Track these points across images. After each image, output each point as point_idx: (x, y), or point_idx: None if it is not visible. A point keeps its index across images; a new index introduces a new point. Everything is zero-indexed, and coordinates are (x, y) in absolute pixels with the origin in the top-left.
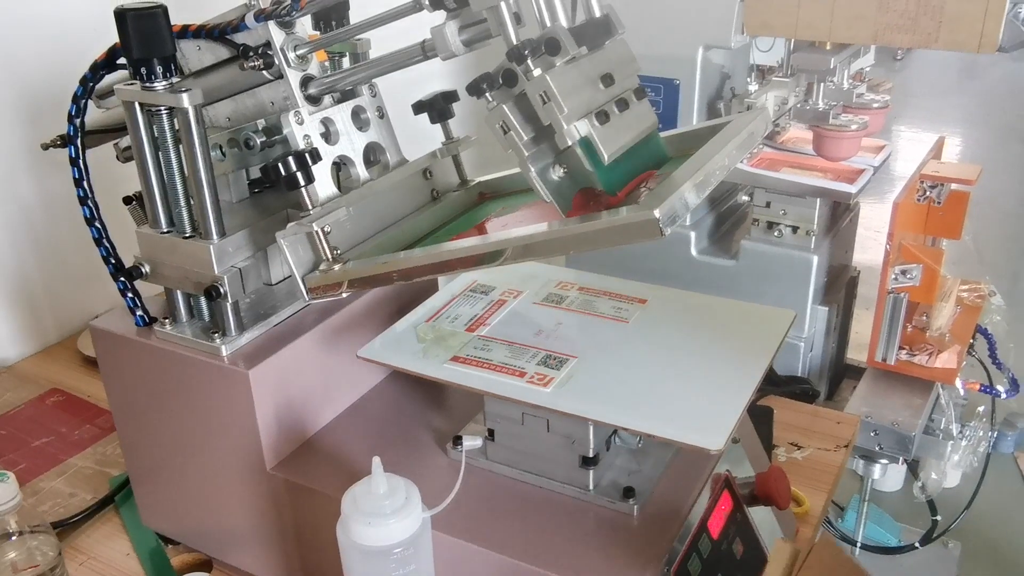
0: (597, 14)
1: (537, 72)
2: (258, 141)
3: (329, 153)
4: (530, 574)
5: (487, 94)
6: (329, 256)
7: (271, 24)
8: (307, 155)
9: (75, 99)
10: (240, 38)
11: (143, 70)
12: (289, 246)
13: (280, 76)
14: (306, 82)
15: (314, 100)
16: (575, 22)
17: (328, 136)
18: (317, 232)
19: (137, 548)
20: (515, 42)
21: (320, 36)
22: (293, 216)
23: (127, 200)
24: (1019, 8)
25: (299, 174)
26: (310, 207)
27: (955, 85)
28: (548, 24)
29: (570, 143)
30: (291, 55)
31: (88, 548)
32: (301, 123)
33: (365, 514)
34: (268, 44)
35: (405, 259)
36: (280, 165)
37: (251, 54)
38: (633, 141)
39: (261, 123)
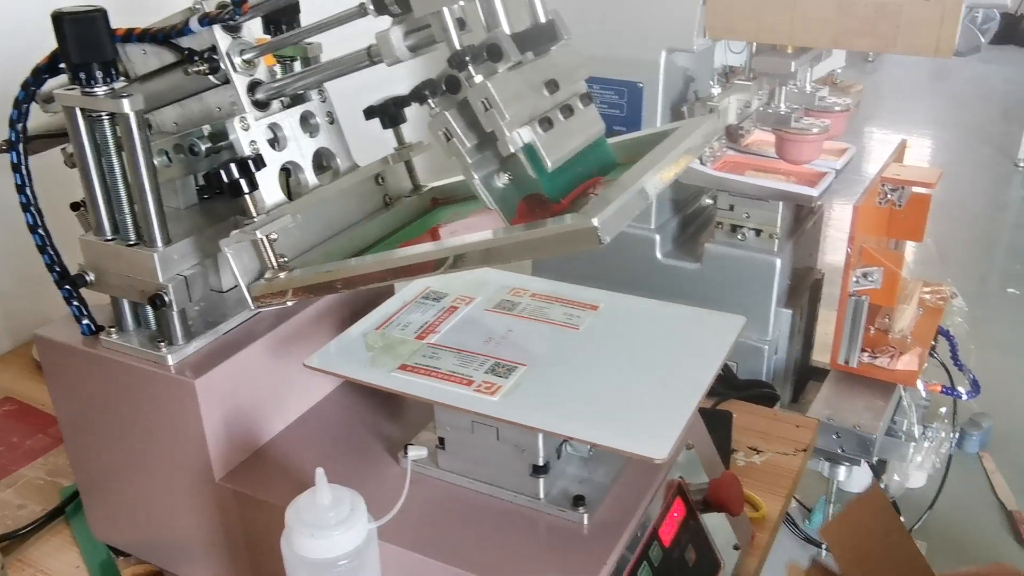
0: (542, 20)
1: (479, 79)
2: (203, 147)
3: (276, 159)
4: None
5: (430, 101)
6: (275, 264)
7: (216, 28)
8: (250, 161)
9: (16, 104)
10: (185, 42)
11: (83, 75)
12: (234, 254)
13: (226, 81)
14: (253, 87)
15: (262, 105)
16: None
17: (276, 142)
18: (262, 240)
19: (87, 560)
20: (457, 48)
21: (268, 40)
22: (241, 223)
23: (75, 206)
24: (975, 13)
25: (242, 181)
26: (254, 214)
27: (926, 87)
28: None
29: (513, 150)
30: (237, 60)
31: (37, 561)
32: (247, 129)
33: (308, 526)
34: (214, 48)
35: (349, 267)
36: (222, 171)
37: (196, 59)
38: (579, 147)
39: (207, 129)
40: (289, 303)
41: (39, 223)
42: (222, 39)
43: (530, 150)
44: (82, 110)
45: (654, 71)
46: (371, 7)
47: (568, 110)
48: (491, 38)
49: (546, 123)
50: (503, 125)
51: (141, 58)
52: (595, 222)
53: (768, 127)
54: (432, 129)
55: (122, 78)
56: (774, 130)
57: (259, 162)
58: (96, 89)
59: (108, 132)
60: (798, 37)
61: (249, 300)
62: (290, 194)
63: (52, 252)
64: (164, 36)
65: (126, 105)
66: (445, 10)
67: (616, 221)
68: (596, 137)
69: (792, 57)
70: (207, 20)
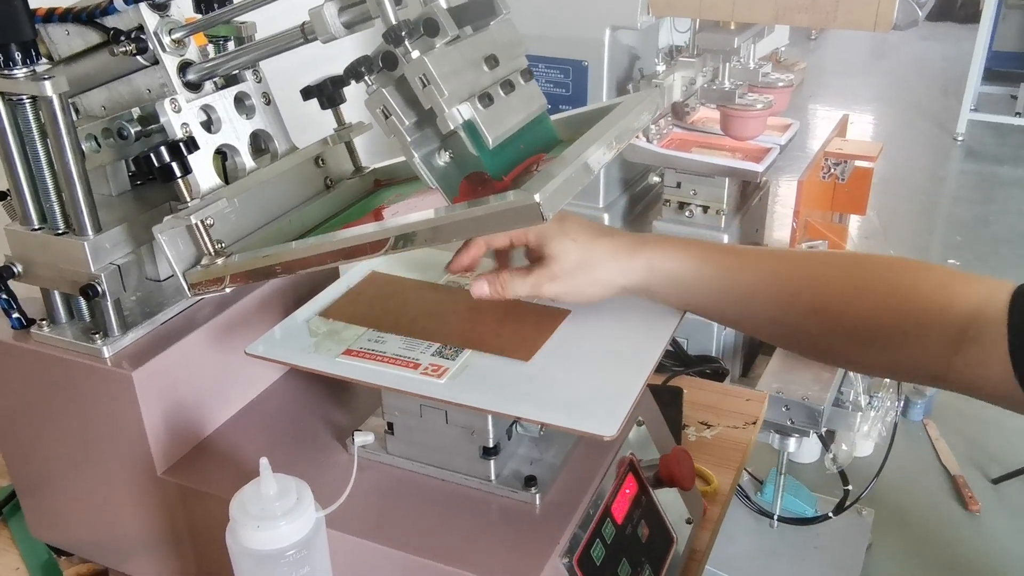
0: None
1: (416, 54)
2: (132, 131)
3: (210, 142)
4: (429, 568)
5: (366, 78)
6: (211, 250)
7: (143, 6)
8: (182, 144)
9: None
10: (111, 22)
11: (0, 57)
12: (168, 240)
13: (155, 62)
14: (184, 68)
15: (194, 87)
16: None
17: (210, 124)
18: (197, 225)
19: (27, 562)
20: (393, 23)
21: (198, 19)
22: (175, 208)
23: (0, 195)
24: None
25: (174, 164)
26: (188, 199)
27: (867, 64)
28: None
29: (452, 127)
30: (166, 39)
31: None
32: (178, 111)
33: (254, 518)
34: (141, 28)
35: (288, 251)
36: (152, 155)
37: (122, 39)
38: (520, 124)
39: (137, 111)
40: (228, 290)
41: None
42: (149, 18)
43: (470, 127)
44: (1, 94)
45: (599, 49)
46: None
47: (509, 86)
48: (427, 12)
49: (486, 99)
50: (442, 102)
51: (65, 39)
52: (537, 198)
53: (713, 104)
54: (370, 107)
55: (45, 60)
56: (719, 106)
57: (191, 145)
58: (16, 71)
59: (30, 116)
60: (740, 13)
61: (185, 288)
62: (227, 178)
63: None
64: (88, 16)
65: (48, 88)
66: None
67: (558, 197)
68: (538, 113)
69: (735, 33)
70: (132, 1)
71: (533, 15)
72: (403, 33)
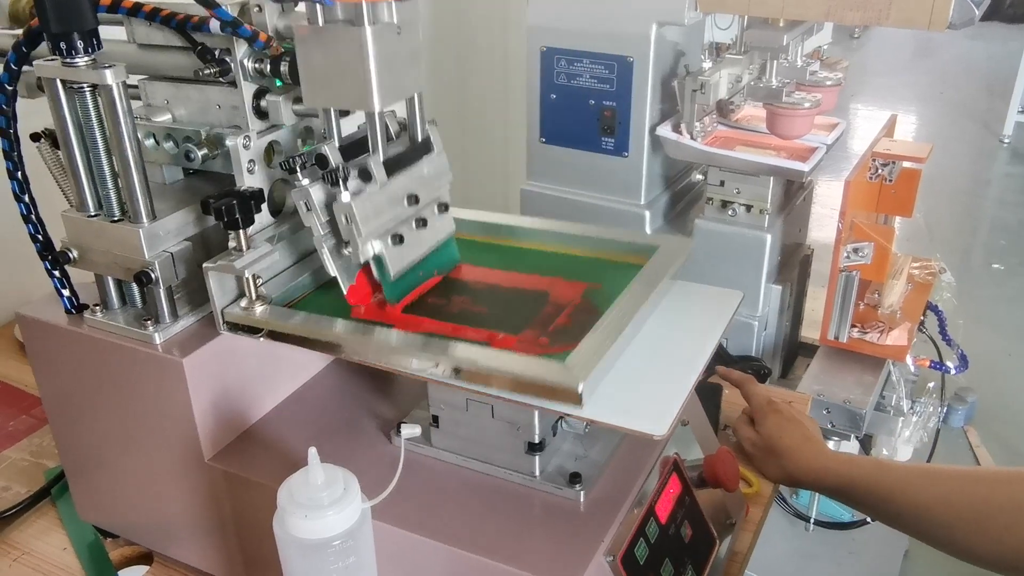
0: (420, 138)
1: (346, 197)
2: (199, 154)
3: (270, 177)
4: (473, 563)
5: (298, 172)
6: (254, 295)
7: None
8: (252, 200)
9: (6, 67)
10: (199, 35)
11: (63, 45)
12: (215, 278)
13: (233, 83)
14: (259, 95)
15: (263, 114)
16: None
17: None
18: (247, 279)
19: (74, 542)
20: (333, 166)
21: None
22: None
23: (35, 136)
24: None
25: (240, 218)
26: (244, 248)
27: (911, 63)
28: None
29: (363, 260)
30: (249, 66)
31: (23, 543)
32: (248, 147)
33: (301, 507)
34: (227, 50)
35: (325, 332)
36: (224, 210)
37: (208, 58)
38: (424, 254)
39: (203, 133)
40: (260, 339)
41: (25, 190)
42: (239, 45)
43: (378, 260)
44: (63, 82)
45: (644, 45)
46: None
47: (422, 222)
48: (361, 162)
49: (397, 239)
50: (358, 240)
51: (144, 29)
52: (580, 388)
53: (759, 101)
54: (295, 198)
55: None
56: (765, 105)
57: (260, 198)
58: (77, 60)
59: (90, 104)
60: (790, 10)
61: (220, 323)
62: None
63: (36, 221)
64: (179, 24)
65: (109, 76)
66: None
67: (596, 378)
68: (444, 240)
69: (784, 30)
70: (229, 29)
71: (580, 11)
72: (341, 177)
